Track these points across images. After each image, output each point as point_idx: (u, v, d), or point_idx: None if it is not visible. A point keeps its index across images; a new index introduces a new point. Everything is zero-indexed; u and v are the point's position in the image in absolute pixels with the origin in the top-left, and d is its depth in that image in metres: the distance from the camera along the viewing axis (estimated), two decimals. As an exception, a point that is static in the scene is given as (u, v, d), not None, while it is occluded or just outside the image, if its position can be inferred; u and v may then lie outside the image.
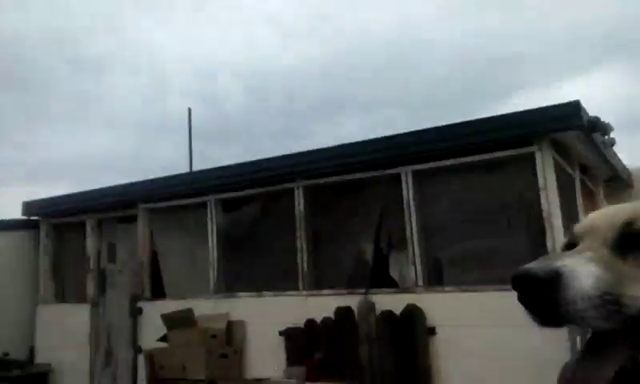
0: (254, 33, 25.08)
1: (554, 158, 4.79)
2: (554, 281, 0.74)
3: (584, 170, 5.87)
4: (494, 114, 5.21)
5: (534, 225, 4.66)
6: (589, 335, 0.85)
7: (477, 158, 5.14)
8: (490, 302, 4.57)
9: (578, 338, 4.01)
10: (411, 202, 5.40)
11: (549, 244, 4.43)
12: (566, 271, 0.75)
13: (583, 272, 0.76)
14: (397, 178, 5.50)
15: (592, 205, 5.81)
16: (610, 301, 0.74)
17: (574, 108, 4.63)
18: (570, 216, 4.77)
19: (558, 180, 4.72)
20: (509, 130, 4.95)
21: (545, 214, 4.57)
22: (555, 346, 4.08)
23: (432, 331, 4.78)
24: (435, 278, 5.17)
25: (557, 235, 4.45)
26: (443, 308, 4.83)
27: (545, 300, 0.74)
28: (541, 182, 4.67)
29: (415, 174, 5.44)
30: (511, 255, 4.73)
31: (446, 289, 4.96)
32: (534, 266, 0.77)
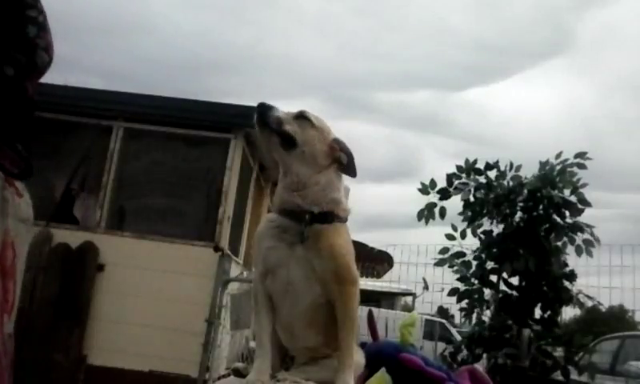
0: None
1: (243, 148, 5.80)
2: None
3: (262, 167, 7.12)
4: (205, 100, 6.03)
5: (213, 195, 5.56)
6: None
7: (183, 131, 5.82)
8: (161, 250, 5.23)
9: (220, 290, 4.99)
10: (115, 155, 5.71)
11: (220, 211, 5.37)
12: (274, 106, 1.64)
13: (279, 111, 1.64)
14: (108, 130, 5.76)
15: (260, 196, 7.08)
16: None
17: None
18: (241, 195, 5.84)
19: (241, 166, 5.73)
20: (214, 115, 5.79)
21: (224, 189, 5.50)
22: (202, 292, 4.98)
23: (101, 268, 5.16)
24: (117, 223, 5.59)
25: (228, 206, 5.43)
26: (119, 250, 5.26)
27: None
28: (228, 163, 5.60)
29: (126, 130, 5.80)
30: (188, 216, 5.56)
31: (125, 234, 5.43)
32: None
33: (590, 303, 4.77)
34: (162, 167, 5.85)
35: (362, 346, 1.94)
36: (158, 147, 5.96)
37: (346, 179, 1.80)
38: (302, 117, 1.66)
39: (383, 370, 1.91)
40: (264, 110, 1.60)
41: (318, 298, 1.62)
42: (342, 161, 1.69)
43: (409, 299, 13.73)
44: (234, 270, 5.45)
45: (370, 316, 2.23)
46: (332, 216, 1.64)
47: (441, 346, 6.58)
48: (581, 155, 4.57)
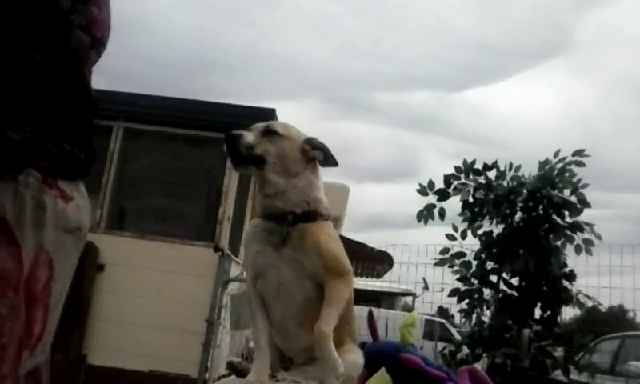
0: None
1: (243, 148, 5.79)
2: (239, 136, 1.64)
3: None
4: (205, 100, 6.04)
5: (213, 195, 5.57)
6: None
7: (183, 131, 5.83)
8: (161, 250, 5.23)
9: (220, 290, 4.99)
10: (115, 155, 5.72)
11: (220, 211, 5.37)
12: (242, 134, 1.65)
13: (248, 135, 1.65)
14: (108, 130, 5.76)
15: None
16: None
17: (268, 113, 5.70)
18: (242, 195, 5.84)
19: (241, 166, 5.74)
20: (213, 115, 5.79)
21: (224, 189, 5.51)
22: (202, 292, 4.98)
23: (101, 268, 5.17)
24: (118, 223, 5.60)
25: (228, 206, 5.44)
26: (119, 250, 5.27)
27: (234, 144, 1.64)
28: (228, 163, 5.54)
29: (126, 130, 5.80)
30: (188, 216, 5.57)
31: (125, 234, 5.44)
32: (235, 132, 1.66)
33: (589, 303, 4.77)
34: (162, 167, 5.86)
35: (362, 346, 1.95)
36: (158, 147, 5.97)
37: (347, 179, 1.82)
38: (269, 132, 1.70)
39: (383, 370, 1.91)
40: (232, 142, 1.65)
41: (309, 295, 1.65)
42: (318, 158, 1.73)
43: (409, 299, 13.74)
44: (234, 270, 5.45)
45: (370, 316, 2.23)
46: (315, 214, 1.67)
47: (441, 346, 6.58)
48: (579, 153, 4.58)
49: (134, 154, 5.88)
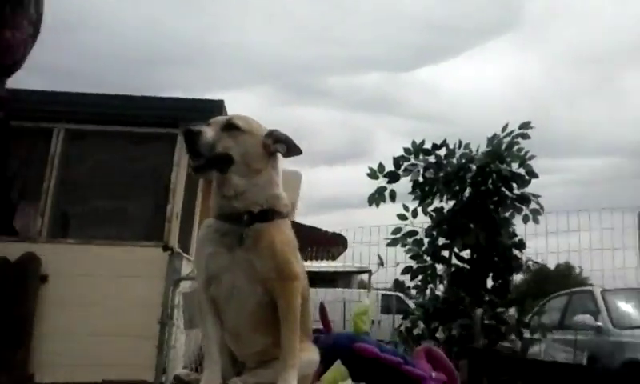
0: None
1: (189, 142, 5.61)
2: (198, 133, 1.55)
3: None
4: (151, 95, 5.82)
5: (160, 193, 5.38)
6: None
7: (127, 129, 5.57)
8: (108, 254, 5.03)
9: (171, 289, 4.86)
10: (56, 159, 5.42)
11: (168, 209, 5.20)
12: (201, 130, 1.55)
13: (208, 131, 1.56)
14: (48, 133, 5.46)
15: (209, 187, 6.93)
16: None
17: (216, 105, 5.51)
18: (190, 189, 5.69)
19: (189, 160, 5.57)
20: (159, 110, 5.57)
21: (172, 186, 5.32)
22: (153, 294, 4.85)
23: (44, 279, 4.90)
24: (60, 230, 5.34)
25: (176, 203, 5.28)
26: (63, 258, 5.01)
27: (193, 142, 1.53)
28: (175, 158, 5.40)
29: (68, 132, 5.51)
30: (135, 216, 5.39)
31: (69, 241, 5.20)
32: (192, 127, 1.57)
33: (537, 266, 4.98)
34: (106, 168, 5.59)
35: (316, 340, 1.92)
36: (101, 147, 5.69)
37: (300, 163, 1.79)
38: (230, 127, 1.62)
39: (338, 362, 1.90)
40: (191, 140, 1.55)
41: (262, 299, 1.61)
42: (280, 151, 1.68)
43: (365, 277, 13.93)
44: (185, 268, 5.30)
45: (322, 309, 2.22)
46: (272, 213, 1.62)
47: (398, 319, 6.70)
48: (525, 126, 4.71)
49: (77, 156, 5.59)
